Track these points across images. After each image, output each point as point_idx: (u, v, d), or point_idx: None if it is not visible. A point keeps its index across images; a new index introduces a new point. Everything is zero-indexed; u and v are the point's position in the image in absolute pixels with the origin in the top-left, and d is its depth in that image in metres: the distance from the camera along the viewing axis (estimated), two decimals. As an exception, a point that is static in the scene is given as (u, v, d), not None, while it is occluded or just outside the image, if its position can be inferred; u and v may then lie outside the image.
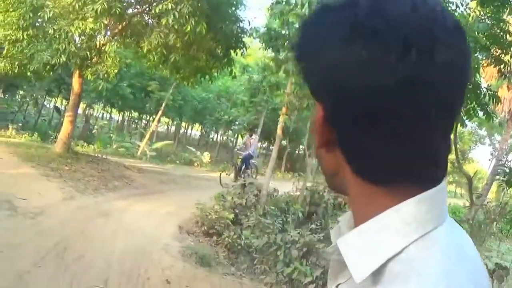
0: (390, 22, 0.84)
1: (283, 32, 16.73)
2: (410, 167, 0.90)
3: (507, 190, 16.50)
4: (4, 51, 16.88)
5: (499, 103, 12.48)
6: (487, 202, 18.30)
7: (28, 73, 17.96)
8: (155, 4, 16.60)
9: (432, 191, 0.90)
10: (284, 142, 39.72)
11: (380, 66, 0.83)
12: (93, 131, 40.74)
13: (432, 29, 0.85)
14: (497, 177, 15.62)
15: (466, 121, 12.97)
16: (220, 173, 21.63)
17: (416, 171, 0.90)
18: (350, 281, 0.94)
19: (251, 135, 23.42)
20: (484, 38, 10.83)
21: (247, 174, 21.67)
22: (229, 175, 21.88)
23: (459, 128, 13.44)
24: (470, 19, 10.76)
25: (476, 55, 11.37)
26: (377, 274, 0.86)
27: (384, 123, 0.86)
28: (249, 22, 18.89)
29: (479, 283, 0.88)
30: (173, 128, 69.35)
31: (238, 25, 18.49)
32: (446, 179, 0.96)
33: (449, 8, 11.02)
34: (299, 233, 10.97)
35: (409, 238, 0.86)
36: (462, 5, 11.21)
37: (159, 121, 37.84)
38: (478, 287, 0.86)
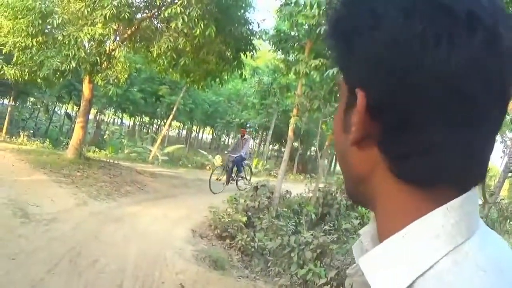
0: None
1: (293, 33, 16.72)
2: (459, 168, 0.79)
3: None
4: (14, 58, 16.90)
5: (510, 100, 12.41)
6: (500, 200, 18.19)
7: (39, 80, 17.96)
8: (164, 8, 16.59)
9: (462, 197, 0.79)
10: (295, 144, 39.75)
11: (445, 45, 0.72)
12: (105, 137, 40.81)
13: (495, 11, 0.75)
14: (509, 174, 15.52)
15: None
16: (210, 178, 19.40)
17: (462, 173, 0.80)
18: None
19: (243, 135, 21.23)
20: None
21: (240, 177, 20.98)
22: (220, 179, 20.04)
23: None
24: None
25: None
26: None
27: (443, 111, 0.75)
28: (258, 25, 18.88)
29: None
30: (184, 132, 69.66)
31: (247, 27, 18.46)
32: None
33: None
34: (312, 234, 10.92)
35: (439, 253, 0.75)
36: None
37: (170, 125, 37.88)
38: None
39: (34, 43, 16.24)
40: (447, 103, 0.74)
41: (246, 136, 21.17)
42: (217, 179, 19.67)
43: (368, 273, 0.81)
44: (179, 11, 14.97)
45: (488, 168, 0.87)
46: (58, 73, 16.40)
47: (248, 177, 21.60)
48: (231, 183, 19.93)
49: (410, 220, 0.79)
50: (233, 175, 20.36)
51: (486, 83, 0.74)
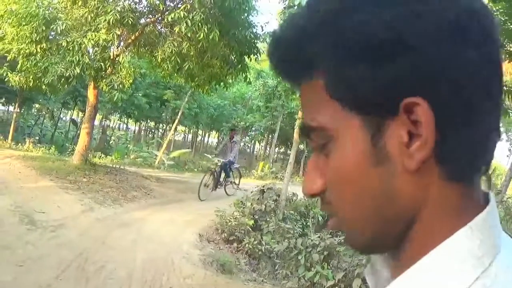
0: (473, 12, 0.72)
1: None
2: (481, 164, 0.76)
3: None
4: (19, 65, 16.92)
5: (515, 99, 12.37)
6: (507, 199, 18.19)
7: (43, 87, 17.97)
8: (167, 13, 16.60)
9: (485, 212, 0.72)
10: (301, 146, 39.71)
11: (473, 45, 0.70)
12: (110, 142, 40.83)
13: (491, 23, 0.76)
14: (516, 172, 15.51)
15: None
16: (200, 186, 17.51)
17: (480, 169, 0.77)
18: None
19: (232, 138, 19.89)
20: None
21: (229, 182, 19.73)
22: (208, 185, 18.08)
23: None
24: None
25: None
26: None
27: (478, 106, 0.71)
28: (262, 28, 18.85)
29: None
30: (190, 136, 69.70)
31: (251, 31, 18.43)
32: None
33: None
34: (319, 236, 10.91)
35: (468, 280, 0.67)
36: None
37: (175, 129, 37.95)
38: None
39: (38, 50, 16.24)
40: (478, 98, 0.72)
41: (235, 138, 20.00)
42: (205, 185, 17.86)
43: None
44: (182, 15, 14.99)
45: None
46: (62, 79, 16.40)
47: (237, 181, 20.50)
48: (219, 188, 18.76)
49: (444, 237, 0.71)
50: (221, 180, 19.04)
51: (499, 76, 0.75)
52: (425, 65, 0.69)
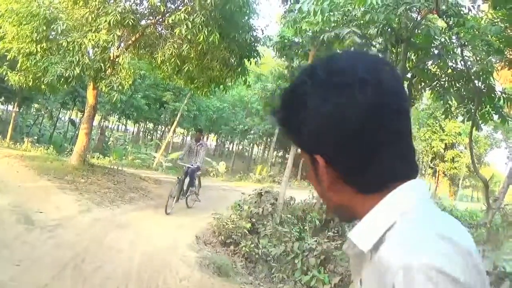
0: (345, 75, 1.25)
1: (296, 40, 16.74)
2: (401, 172, 1.29)
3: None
4: (18, 64, 16.92)
5: (514, 106, 12.39)
6: (504, 206, 18.20)
7: (43, 86, 18.00)
8: (168, 14, 16.66)
9: (406, 183, 1.27)
10: (299, 150, 39.79)
11: (353, 102, 1.21)
12: (109, 143, 40.89)
13: (376, 67, 1.28)
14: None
15: (482, 125, 12.91)
16: (168, 200, 15.15)
17: (404, 173, 1.29)
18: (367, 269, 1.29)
19: (198, 140, 17.32)
20: (498, 41, 10.79)
21: (193, 193, 17.16)
22: (174, 197, 15.54)
23: (475, 132, 13.39)
24: (483, 22, 10.72)
25: (489, 58, 11.32)
26: (378, 243, 1.21)
27: (373, 146, 1.25)
28: (262, 31, 18.86)
29: (456, 230, 1.18)
30: (188, 139, 69.74)
31: (251, 34, 18.45)
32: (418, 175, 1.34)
33: (462, 12, 11.00)
34: (316, 241, 10.94)
35: (395, 213, 1.22)
36: (474, 8, 11.18)
37: (174, 131, 37.96)
38: (454, 232, 1.15)
39: (39, 49, 16.23)
40: (369, 146, 1.24)
41: (202, 141, 17.59)
42: (172, 196, 15.43)
43: (354, 237, 1.28)
44: (183, 17, 15.02)
45: (418, 166, 1.38)
46: (62, 79, 16.39)
47: (197, 191, 17.60)
48: (181, 199, 16.20)
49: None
50: (184, 188, 16.32)
51: (389, 112, 1.25)
52: (311, 139, 1.31)
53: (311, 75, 1.29)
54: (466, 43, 11.17)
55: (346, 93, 1.21)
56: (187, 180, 16.38)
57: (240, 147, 70.43)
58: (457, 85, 12.55)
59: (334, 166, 1.29)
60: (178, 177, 16.49)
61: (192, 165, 16.33)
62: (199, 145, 16.89)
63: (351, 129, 1.22)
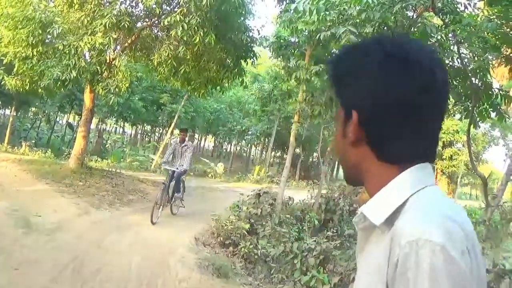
0: (408, 53, 1.38)
1: (293, 40, 16.74)
2: (416, 152, 1.39)
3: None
4: (15, 69, 16.93)
5: (512, 103, 12.37)
6: (503, 203, 18.18)
7: (40, 90, 18.01)
8: (163, 16, 16.64)
9: (418, 166, 1.38)
10: (297, 150, 39.75)
11: (405, 80, 1.35)
12: (106, 146, 40.97)
13: (432, 58, 1.40)
14: (512, 177, 15.55)
15: (479, 122, 12.90)
16: (153, 209, 13.32)
17: (418, 155, 1.39)
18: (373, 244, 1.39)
19: (183, 140, 15.45)
20: (494, 38, 10.78)
21: (179, 199, 15.49)
22: (159, 205, 13.93)
23: (472, 130, 13.38)
24: (479, 19, 10.71)
25: (486, 55, 11.32)
26: (391, 219, 1.30)
27: (404, 120, 1.36)
28: (258, 31, 18.95)
29: (460, 215, 1.32)
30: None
31: (247, 34, 18.45)
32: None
33: (458, 9, 10.99)
34: (315, 241, 10.92)
35: (407, 194, 1.33)
36: (470, 5, 11.18)
37: (172, 133, 37.90)
38: (458, 216, 1.29)
39: (35, 53, 16.23)
40: (405, 115, 1.35)
41: (187, 142, 15.63)
42: (156, 203, 13.73)
43: (367, 212, 1.38)
44: (178, 19, 15.02)
45: (437, 149, 1.51)
46: (59, 83, 16.37)
47: (182, 201, 15.78)
48: (166, 205, 14.64)
49: (389, 181, 1.38)
50: (170, 193, 14.74)
51: (428, 101, 1.37)
52: (356, 94, 1.43)
53: (378, 42, 1.44)
54: (462, 40, 11.14)
55: (404, 68, 1.36)
56: (172, 184, 14.79)
57: (238, 148, 70.42)
58: (454, 82, 12.51)
59: (366, 126, 1.41)
60: (163, 182, 14.89)
61: (177, 169, 14.76)
62: (184, 147, 15.28)
63: (397, 98, 1.35)
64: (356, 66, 1.44)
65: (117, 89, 17.54)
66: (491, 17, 10.39)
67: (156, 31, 19.02)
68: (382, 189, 1.37)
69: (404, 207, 1.30)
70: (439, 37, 11.91)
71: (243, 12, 17.75)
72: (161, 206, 14.02)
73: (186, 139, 15.71)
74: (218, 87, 21.07)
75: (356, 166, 1.48)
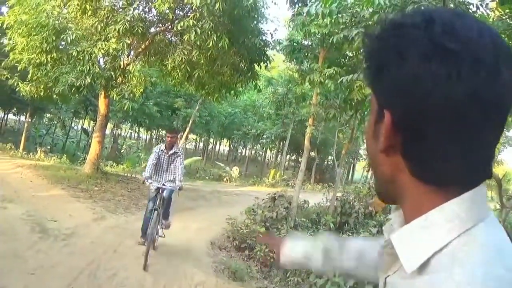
0: (464, 45, 0.96)
1: (306, 43, 16.73)
2: (465, 172, 1.03)
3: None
4: (29, 75, 17.03)
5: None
6: (518, 204, 18.09)
7: (54, 96, 18.13)
8: (176, 21, 16.66)
9: (472, 192, 1.02)
10: (312, 154, 39.62)
11: (454, 80, 0.95)
12: (122, 151, 41.03)
13: (497, 53, 0.97)
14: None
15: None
16: (147, 251, 9.23)
17: (469, 175, 1.03)
18: (398, 273, 1.10)
19: (171, 146, 10.86)
20: (506, 38, 10.73)
21: (164, 223, 10.78)
22: (152, 241, 9.89)
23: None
24: (491, 19, 10.67)
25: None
26: (424, 265, 0.99)
27: (450, 130, 0.99)
28: (271, 35, 18.92)
29: None
30: (201, 145, 69.87)
31: (260, 38, 18.45)
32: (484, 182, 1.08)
33: (470, 10, 10.96)
34: (331, 243, 10.88)
35: (453, 234, 0.98)
36: (482, 5, 11.14)
37: (187, 138, 37.94)
38: None
39: (49, 60, 16.31)
40: (452, 124, 0.98)
41: (176, 148, 10.97)
42: (147, 240, 9.72)
43: (398, 246, 1.07)
44: (191, 24, 15.05)
45: (493, 169, 1.14)
46: (73, 89, 16.45)
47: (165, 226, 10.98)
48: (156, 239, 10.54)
49: (428, 209, 1.03)
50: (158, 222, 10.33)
51: (485, 109, 0.97)
52: (394, 89, 1.05)
53: (427, 23, 1.01)
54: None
55: (455, 65, 0.95)
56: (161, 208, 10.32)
57: (253, 151, 70.38)
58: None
59: (400, 131, 1.04)
60: (150, 209, 10.37)
61: (164, 185, 10.42)
62: (172, 155, 10.88)
63: (443, 103, 0.97)
64: (393, 54, 1.03)
65: (131, 94, 17.62)
66: (503, 17, 10.36)
67: (169, 36, 19.04)
68: (421, 218, 1.04)
69: (446, 250, 0.98)
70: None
71: (256, 16, 17.77)
72: (154, 243, 10.31)
73: (176, 146, 11.08)
74: (232, 91, 21.10)
75: (388, 180, 1.14)
